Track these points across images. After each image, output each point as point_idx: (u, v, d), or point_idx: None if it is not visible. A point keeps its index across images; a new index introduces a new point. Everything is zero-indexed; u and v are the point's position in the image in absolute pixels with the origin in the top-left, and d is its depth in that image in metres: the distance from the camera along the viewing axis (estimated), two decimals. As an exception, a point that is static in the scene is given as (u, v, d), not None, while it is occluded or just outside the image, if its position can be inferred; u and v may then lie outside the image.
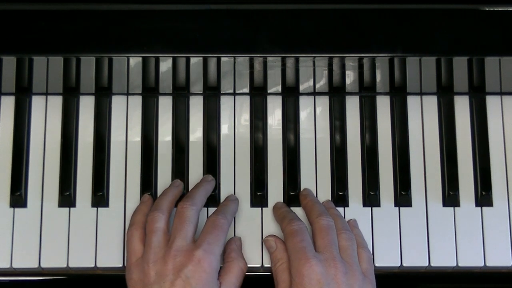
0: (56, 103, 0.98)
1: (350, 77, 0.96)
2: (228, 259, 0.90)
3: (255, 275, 0.93)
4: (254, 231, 0.94)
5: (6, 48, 0.89)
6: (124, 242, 0.93)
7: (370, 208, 0.95)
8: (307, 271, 0.84)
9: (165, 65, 0.94)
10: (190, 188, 0.95)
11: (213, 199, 0.95)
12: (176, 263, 0.85)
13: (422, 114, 0.98)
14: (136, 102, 0.98)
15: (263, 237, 0.93)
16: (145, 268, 0.86)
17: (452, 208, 0.95)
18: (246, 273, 0.92)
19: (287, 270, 0.88)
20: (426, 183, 0.96)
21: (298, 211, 0.95)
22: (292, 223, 0.90)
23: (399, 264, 0.94)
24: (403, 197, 0.95)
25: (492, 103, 0.99)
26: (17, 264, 0.93)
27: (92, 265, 0.93)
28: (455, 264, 0.94)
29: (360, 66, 0.94)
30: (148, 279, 0.85)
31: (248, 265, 0.92)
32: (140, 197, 0.95)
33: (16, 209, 0.94)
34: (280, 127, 0.98)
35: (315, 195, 0.95)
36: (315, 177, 0.96)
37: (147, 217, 0.90)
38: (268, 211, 0.95)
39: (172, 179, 0.96)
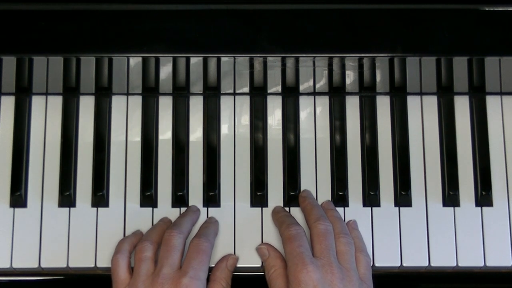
0: (56, 103, 0.98)
1: (350, 77, 0.96)
2: (212, 278, 0.90)
3: (255, 275, 0.93)
4: (254, 231, 0.94)
5: (6, 48, 0.89)
6: (124, 242, 0.93)
7: (370, 208, 0.95)
8: (304, 277, 0.85)
9: (165, 65, 0.94)
10: (190, 189, 0.95)
11: (213, 199, 0.95)
12: None
13: (422, 114, 0.98)
14: (136, 102, 0.98)
15: (258, 244, 0.93)
16: None
17: (452, 208, 0.95)
18: (246, 273, 0.93)
19: (281, 276, 0.88)
20: (426, 183, 0.96)
21: (298, 211, 0.95)
22: (290, 228, 0.90)
23: (399, 264, 0.94)
24: (403, 197, 0.95)
25: (492, 103, 0.99)
26: (17, 264, 0.93)
27: (92, 265, 0.93)
28: (455, 264, 0.94)
29: (360, 66, 0.94)
30: None
31: (248, 265, 0.93)
32: (140, 197, 0.95)
33: (16, 209, 0.94)
34: (280, 127, 0.98)
35: (314, 197, 0.95)
36: (315, 177, 0.96)
37: (136, 246, 0.90)
38: (268, 211, 0.95)
39: (172, 179, 0.96)
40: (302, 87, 0.98)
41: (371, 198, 0.95)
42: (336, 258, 0.88)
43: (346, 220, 0.95)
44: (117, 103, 0.98)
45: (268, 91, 0.98)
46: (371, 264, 0.93)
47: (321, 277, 0.85)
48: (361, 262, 0.90)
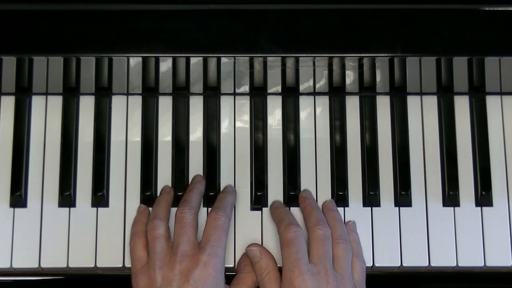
0: (56, 103, 0.98)
1: (350, 77, 0.96)
2: (244, 270, 0.90)
3: (255, 275, 0.93)
4: (254, 231, 0.94)
5: (6, 48, 0.89)
6: (125, 242, 0.93)
7: (370, 208, 0.95)
8: (299, 284, 0.85)
9: (165, 65, 0.94)
10: (190, 188, 0.96)
11: (213, 199, 0.95)
12: (182, 267, 0.85)
13: (422, 114, 0.98)
14: (136, 102, 0.98)
15: (248, 245, 0.92)
16: (151, 273, 0.86)
17: (452, 208, 0.95)
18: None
19: (275, 280, 0.88)
20: (426, 183, 0.96)
21: (298, 211, 0.95)
22: (289, 229, 0.89)
23: (399, 264, 0.94)
24: (403, 197, 0.95)
25: (492, 103, 0.99)
26: (17, 264, 0.93)
27: (92, 265, 0.93)
28: (455, 264, 0.94)
29: (360, 66, 0.94)
30: (155, 284, 0.85)
31: (248, 265, 0.93)
32: (140, 197, 0.95)
33: (16, 209, 0.94)
34: (280, 127, 0.98)
35: (314, 197, 0.95)
36: (315, 177, 0.96)
37: (147, 226, 0.90)
38: (268, 211, 0.95)
39: (172, 179, 0.96)
40: (302, 87, 0.98)
41: (371, 198, 0.95)
42: (332, 265, 0.88)
43: (346, 220, 0.95)
44: (117, 103, 0.98)
45: (268, 91, 0.98)
46: (370, 266, 0.93)
47: (316, 285, 0.85)
48: (356, 268, 0.90)
